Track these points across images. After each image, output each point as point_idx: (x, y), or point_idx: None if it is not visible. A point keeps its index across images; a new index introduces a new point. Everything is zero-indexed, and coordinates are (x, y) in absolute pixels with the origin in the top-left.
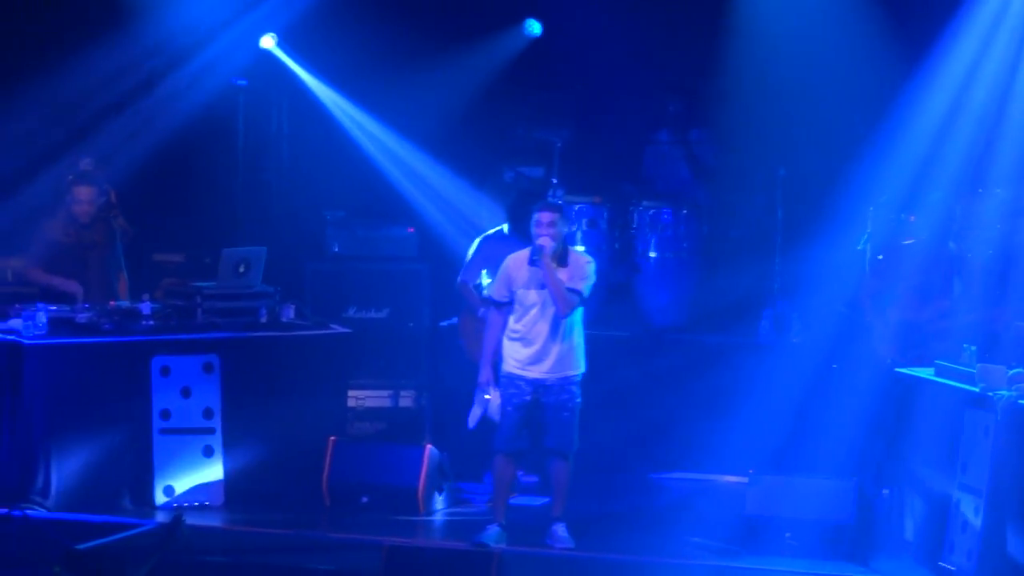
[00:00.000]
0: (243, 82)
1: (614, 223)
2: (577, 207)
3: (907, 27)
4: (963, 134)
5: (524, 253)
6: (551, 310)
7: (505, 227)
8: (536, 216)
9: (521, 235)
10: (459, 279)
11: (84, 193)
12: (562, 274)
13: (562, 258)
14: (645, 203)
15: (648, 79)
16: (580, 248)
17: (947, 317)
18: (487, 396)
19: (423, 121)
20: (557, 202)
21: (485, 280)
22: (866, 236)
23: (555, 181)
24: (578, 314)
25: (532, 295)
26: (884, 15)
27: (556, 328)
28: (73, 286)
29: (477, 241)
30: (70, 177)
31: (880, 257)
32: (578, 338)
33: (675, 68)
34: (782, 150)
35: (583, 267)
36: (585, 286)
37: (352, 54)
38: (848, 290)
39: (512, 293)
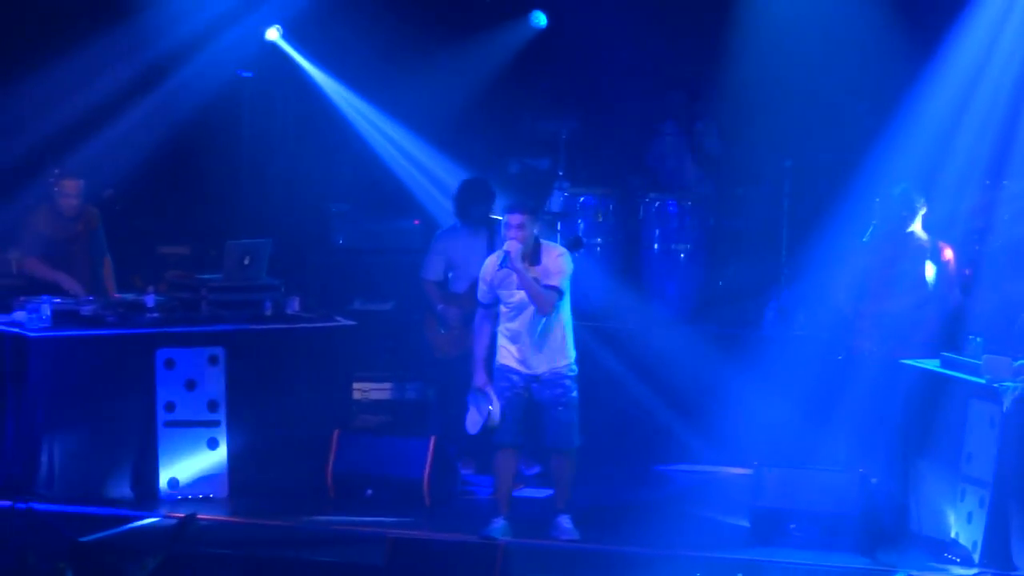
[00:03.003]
0: (248, 74)
1: (620, 214)
2: (583, 199)
3: (916, 18)
4: (971, 126)
5: (497, 256)
6: (532, 309)
7: (458, 222)
8: (505, 218)
9: (470, 225)
10: (420, 275)
11: (71, 187)
12: (536, 272)
13: (534, 256)
14: (651, 195)
15: (654, 70)
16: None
17: (922, 307)
18: (491, 407)
19: (428, 113)
20: (525, 201)
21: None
22: (872, 228)
23: (560, 173)
24: (564, 306)
25: (514, 295)
26: (893, 5)
27: (540, 325)
28: (75, 286)
29: (434, 238)
30: (56, 171)
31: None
32: (566, 330)
33: (681, 59)
34: (788, 141)
35: (557, 261)
36: (562, 280)
37: (357, 46)
38: None
39: (495, 295)
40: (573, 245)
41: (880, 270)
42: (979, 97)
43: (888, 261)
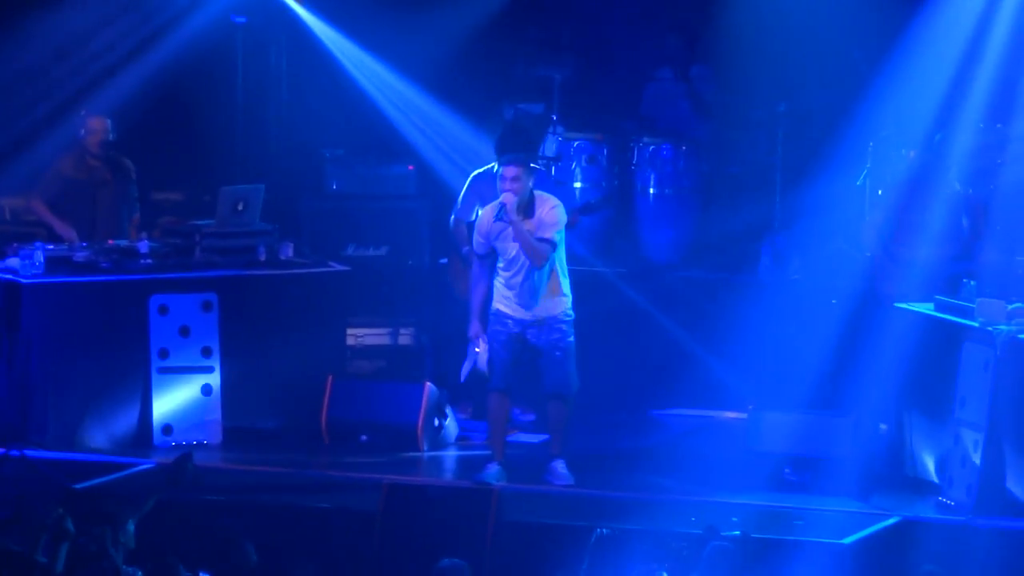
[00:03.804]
0: (242, 19)
1: (614, 160)
2: (577, 143)
3: None
4: (965, 69)
5: (493, 208)
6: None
7: (495, 165)
8: (499, 171)
9: None
10: (452, 217)
11: (97, 123)
12: (531, 225)
13: (528, 208)
14: (645, 139)
15: (649, 15)
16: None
17: (960, 261)
18: (476, 349)
19: (422, 58)
20: (519, 154)
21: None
22: (865, 172)
23: (555, 118)
24: (559, 254)
25: (511, 248)
26: None
27: (535, 275)
28: (69, 232)
29: (469, 179)
30: (83, 111)
31: (880, 192)
32: (561, 277)
33: (677, 4)
34: (782, 86)
35: (551, 213)
36: (555, 233)
37: None
38: (847, 226)
39: (491, 246)
40: (585, 210)
41: (914, 215)
42: (973, 39)
43: (924, 207)
